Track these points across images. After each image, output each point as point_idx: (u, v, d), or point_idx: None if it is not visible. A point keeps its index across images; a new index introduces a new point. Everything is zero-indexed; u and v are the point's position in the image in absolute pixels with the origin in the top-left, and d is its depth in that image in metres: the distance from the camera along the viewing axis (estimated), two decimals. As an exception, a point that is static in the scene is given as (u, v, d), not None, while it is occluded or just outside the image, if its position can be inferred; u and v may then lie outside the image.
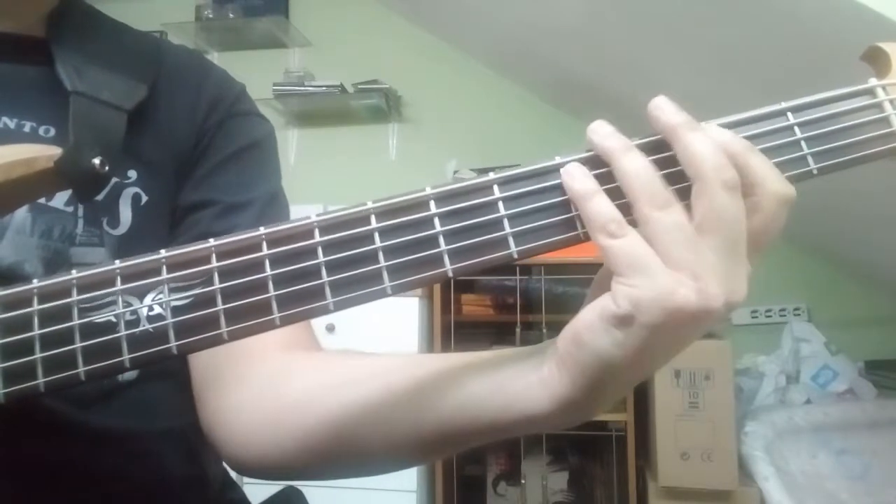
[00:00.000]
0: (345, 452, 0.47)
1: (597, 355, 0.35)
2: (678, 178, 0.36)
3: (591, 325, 0.35)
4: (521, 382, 0.38)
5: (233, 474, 0.70)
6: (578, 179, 0.37)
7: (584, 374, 0.35)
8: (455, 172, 2.58)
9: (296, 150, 2.91)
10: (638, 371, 0.36)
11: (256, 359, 0.54)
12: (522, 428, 0.39)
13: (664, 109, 0.37)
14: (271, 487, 0.66)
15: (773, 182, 0.36)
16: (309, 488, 0.69)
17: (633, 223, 0.36)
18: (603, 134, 0.37)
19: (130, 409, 0.56)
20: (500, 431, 0.40)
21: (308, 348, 0.57)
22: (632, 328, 0.34)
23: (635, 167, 0.36)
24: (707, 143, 0.36)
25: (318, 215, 0.37)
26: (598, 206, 0.36)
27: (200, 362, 0.58)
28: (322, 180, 2.74)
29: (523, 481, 2.28)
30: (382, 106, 2.78)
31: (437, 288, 2.25)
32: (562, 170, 0.37)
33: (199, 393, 0.58)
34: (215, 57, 2.89)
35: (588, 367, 0.35)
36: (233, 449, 0.54)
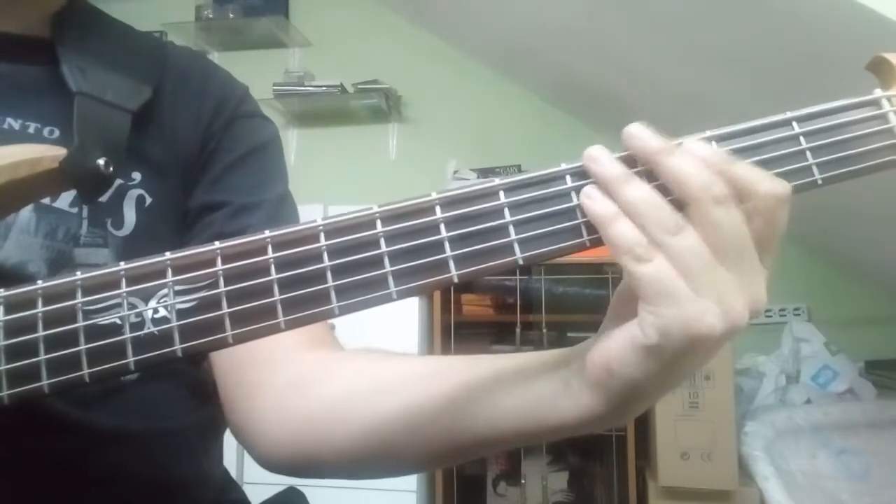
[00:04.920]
0: (377, 457, 0.48)
1: (627, 383, 0.36)
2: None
3: (621, 357, 0.35)
4: (552, 397, 0.39)
5: (233, 474, 0.70)
6: (599, 202, 0.36)
7: (614, 398, 0.37)
8: (455, 172, 2.58)
9: (296, 150, 2.91)
10: (666, 387, 0.37)
11: (282, 359, 0.55)
12: (550, 436, 0.41)
13: (639, 137, 0.36)
14: (272, 488, 0.66)
15: (764, 183, 0.36)
16: (310, 488, 0.69)
17: None
18: (600, 162, 0.37)
19: (132, 409, 0.56)
20: (529, 440, 0.42)
21: (331, 346, 0.58)
22: (661, 356, 0.34)
23: (639, 195, 0.35)
24: (689, 163, 0.35)
25: (323, 219, 0.37)
26: (622, 229, 0.35)
27: (223, 364, 0.58)
28: (322, 180, 2.74)
29: (523, 481, 2.29)
30: (382, 106, 2.78)
31: (437, 288, 2.25)
32: (581, 193, 0.37)
33: (226, 395, 0.58)
34: (215, 57, 2.89)
35: (618, 392, 0.36)
36: (265, 451, 0.55)
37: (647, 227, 0.35)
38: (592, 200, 0.36)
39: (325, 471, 0.52)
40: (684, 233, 0.35)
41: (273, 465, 0.54)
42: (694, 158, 0.36)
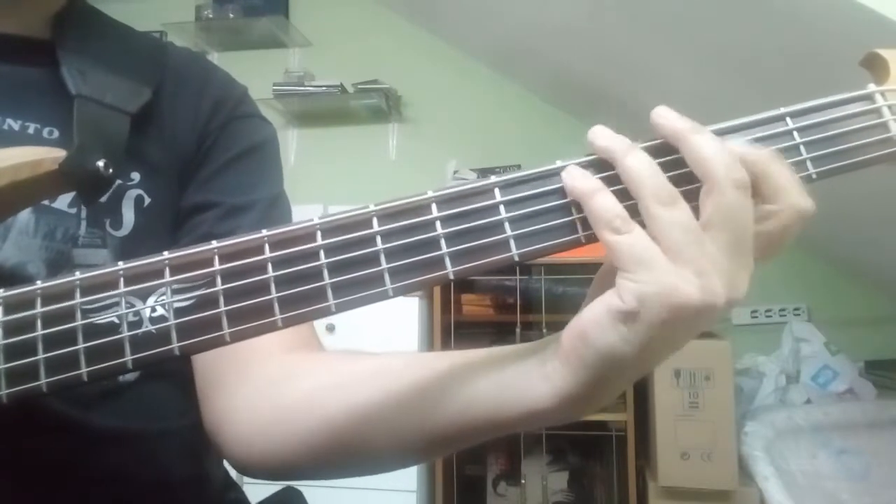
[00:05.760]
0: (349, 452, 0.48)
1: (602, 351, 0.35)
2: (683, 181, 0.37)
3: (597, 321, 0.35)
4: (525, 379, 0.39)
5: (233, 474, 0.70)
6: (579, 178, 0.37)
7: (588, 370, 0.36)
8: (455, 172, 2.58)
9: (296, 150, 2.91)
10: (641, 366, 0.37)
11: (259, 360, 0.54)
12: (525, 423, 0.39)
13: (668, 117, 0.37)
14: (272, 488, 0.66)
15: (796, 194, 0.36)
16: (308, 488, 0.69)
17: (641, 224, 0.36)
18: (603, 136, 0.38)
19: (131, 409, 0.56)
20: (503, 428, 0.40)
21: (311, 348, 0.57)
22: (637, 324, 0.34)
23: (639, 164, 0.36)
24: (715, 143, 0.36)
25: (320, 218, 0.38)
26: (601, 202, 0.36)
27: (204, 363, 0.58)
28: (322, 180, 2.74)
29: (523, 481, 2.29)
30: (382, 106, 2.78)
31: (437, 288, 2.25)
32: (562, 172, 0.38)
33: (202, 393, 0.58)
34: (215, 57, 2.89)
35: (593, 362, 0.36)
36: (236, 449, 0.54)
37: (641, 195, 0.36)
38: (573, 177, 0.37)
39: (297, 470, 0.51)
40: (676, 206, 0.35)
41: (246, 464, 0.54)
42: (718, 141, 0.36)
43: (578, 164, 0.38)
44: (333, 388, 0.49)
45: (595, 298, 0.37)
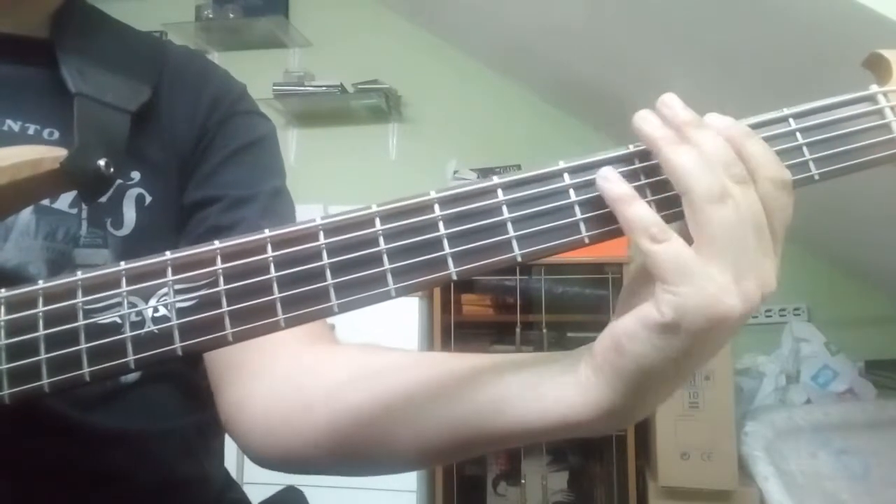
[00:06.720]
0: (373, 446, 0.47)
1: (638, 363, 0.35)
2: None
3: (633, 334, 0.35)
4: (558, 386, 0.38)
5: (233, 474, 0.71)
6: (615, 183, 0.37)
7: (623, 382, 0.35)
8: (455, 172, 2.58)
9: (296, 150, 2.91)
10: (678, 376, 0.36)
11: (279, 351, 0.54)
12: (561, 432, 0.39)
13: (671, 106, 0.37)
14: (272, 488, 0.66)
15: (768, 167, 0.36)
16: (309, 488, 0.69)
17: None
18: (651, 124, 0.37)
19: (132, 410, 0.56)
20: (537, 434, 0.40)
21: (329, 342, 0.57)
22: (676, 336, 0.34)
23: (689, 158, 0.35)
24: (713, 139, 0.36)
25: (322, 218, 0.38)
26: (638, 209, 0.36)
27: (219, 354, 0.57)
28: (322, 180, 2.74)
29: (523, 481, 2.28)
30: (382, 106, 2.78)
31: (437, 288, 2.25)
32: (597, 174, 0.37)
33: (217, 385, 0.58)
34: (215, 57, 2.89)
35: (628, 374, 0.35)
36: (254, 441, 0.54)
37: (690, 190, 0.35)
38: (608, 181, 0.37)
39: (319, 462, 0.51)
40: (726, 203, 0.34)
41: (264, 455, 0.53)
42: (718, 136, 0.36)
43: (612, 159, 0.38)
44: (360, 379, 0.48)
45: (627, 305, 0.37)
